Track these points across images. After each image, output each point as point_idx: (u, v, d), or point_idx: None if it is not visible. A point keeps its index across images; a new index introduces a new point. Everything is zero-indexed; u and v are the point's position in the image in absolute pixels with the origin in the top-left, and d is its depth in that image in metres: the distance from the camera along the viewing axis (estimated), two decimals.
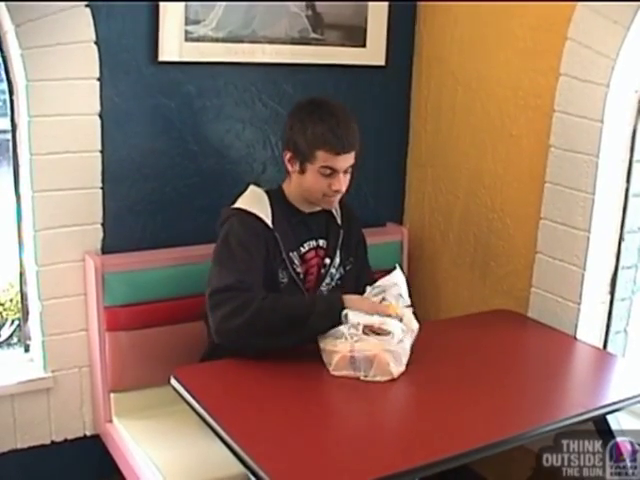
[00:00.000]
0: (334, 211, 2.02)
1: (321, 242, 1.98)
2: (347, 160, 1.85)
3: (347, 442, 1.44)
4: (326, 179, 1.85)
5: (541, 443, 1.61)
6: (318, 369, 1.71)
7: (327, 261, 1.97)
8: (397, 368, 1.67)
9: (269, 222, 1.86)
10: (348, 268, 2.01)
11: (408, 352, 1.70)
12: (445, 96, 2.45)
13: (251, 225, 1.85)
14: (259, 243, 1.84)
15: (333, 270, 1.98)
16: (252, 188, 1.95)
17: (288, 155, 1.90)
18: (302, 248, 1.94)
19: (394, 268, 1.84)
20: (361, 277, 2.02)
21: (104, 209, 2.12)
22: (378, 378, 1.66)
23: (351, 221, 2.06)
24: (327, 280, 1.96)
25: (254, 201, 1.90)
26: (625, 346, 2.15)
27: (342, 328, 1.69)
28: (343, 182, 1.87)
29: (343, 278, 1.99)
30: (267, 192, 1.94)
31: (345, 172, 1.87)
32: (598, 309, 2.09)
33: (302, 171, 1.88)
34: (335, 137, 1.81)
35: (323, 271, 1.96)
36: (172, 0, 2.07)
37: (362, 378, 1.67)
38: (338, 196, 1.91)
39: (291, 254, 1.90)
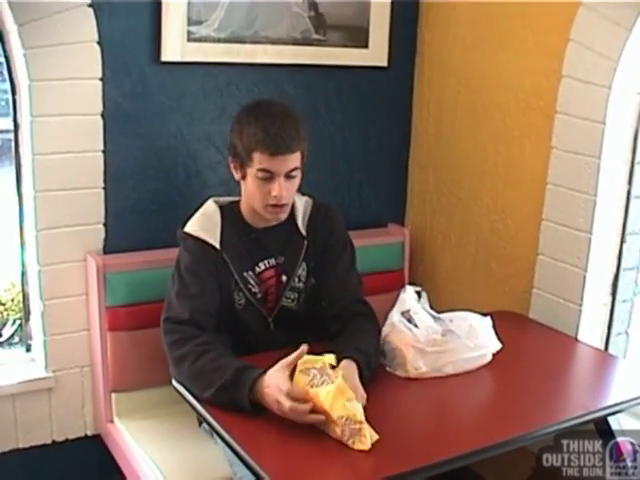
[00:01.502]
0: (299, 221, 1.85)
1: (279, 259, 1.84)
2: (286, 162, 1.69)
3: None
4: (265, 184, 1.70)
5: (541, 443, 1.61)
6: None
7: (284, 279, 1.83)
8: (416, 367, 1.66)
9: (217, 244, 1.77)
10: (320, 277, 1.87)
11: (447, 359, 1.68)
12: (447, 97, 2.45)
13: (197, 250, 1.76)
14: (208, 267, 1.75)
15: (300, 285, 1.85)
16: (207, 205, 1.85)
17: (231, 161, 1.79)
18: (257, 267, 1.82)
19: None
20: (337, 285, 1.84)
21: (106, 209, 2.12)
22: (398, 372, 1.68)
23: (318, 228, 1.87)
24: (291, 295, 1.84)
25: (203, 222, 1.81)
26: (626, 348, 2.15)
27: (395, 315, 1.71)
28: (284, 187, 1.70)
29: (314, 288, 1.86)
30: (222, 208, 1.83)
31: (288, 177, 1.71)
32: (599, 311, 2.09)
33: (244, 177, 1.76)
34: (268, 137, 1.66)
35: (281, 289, 1.83)
36: None
37: (387, 369, 1.69)
38: (284, 207, 1.75)
39: (245, 274, 1.80)
